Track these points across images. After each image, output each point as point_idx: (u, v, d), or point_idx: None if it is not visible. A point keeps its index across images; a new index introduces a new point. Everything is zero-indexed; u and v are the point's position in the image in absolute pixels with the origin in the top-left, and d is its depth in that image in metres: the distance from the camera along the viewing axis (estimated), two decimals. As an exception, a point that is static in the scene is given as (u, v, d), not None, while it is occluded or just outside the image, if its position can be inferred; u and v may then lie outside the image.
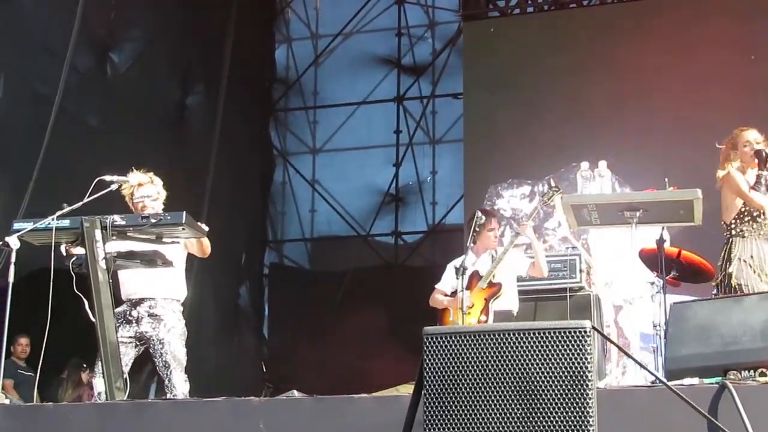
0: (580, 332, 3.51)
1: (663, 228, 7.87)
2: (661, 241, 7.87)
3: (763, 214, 6.90)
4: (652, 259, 8.13)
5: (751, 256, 6.85)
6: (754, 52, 12.25)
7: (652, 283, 8.44)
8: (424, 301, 8.61)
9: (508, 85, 13.18)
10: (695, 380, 4.92)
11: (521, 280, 8.53)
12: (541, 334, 3.55)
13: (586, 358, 3.48)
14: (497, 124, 13.16)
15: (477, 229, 8.30)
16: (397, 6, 15.91)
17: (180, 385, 6.91)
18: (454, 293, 8.20)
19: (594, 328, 3.56)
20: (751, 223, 6.97)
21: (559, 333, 3.54)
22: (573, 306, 8.91)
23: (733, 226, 7.05)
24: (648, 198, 6.10)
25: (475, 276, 8.22)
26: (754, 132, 7.28)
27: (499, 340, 3.54)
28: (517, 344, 3.54)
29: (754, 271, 6.83)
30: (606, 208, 6.05)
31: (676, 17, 12.76)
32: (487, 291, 8.21)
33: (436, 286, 8.50)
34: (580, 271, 9.16)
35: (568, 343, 3.51)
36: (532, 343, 3.54)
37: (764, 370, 4.78)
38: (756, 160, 7.09)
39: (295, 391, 5.59)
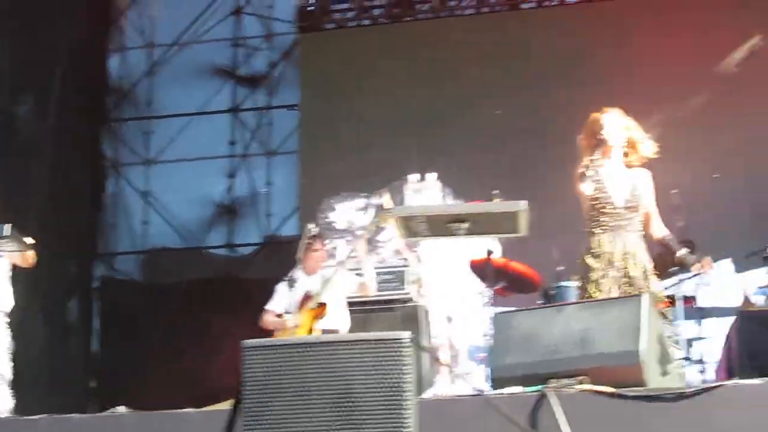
0: (397, 343, 3.53)
1: (493, 239, 8.02)
2: (489, 252, 8.01)
3: (610, 205, 6.47)
4: (482, 269, 8.27)
5: (603, 251, 6.44)
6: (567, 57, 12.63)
7: (481, 294, 8.58)
8: (259, 312, 8.55)
9: (343, 98, 13.26)
10: (518, 388, 5.00)
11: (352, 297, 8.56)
12: (359, 345, 3.55)
13: (403, 369, 3.50)
14: (332, 136, 13.22)
15: (306, 247, 8.33)
16: (234, 17, 15.78)
17: (2, 401, 6.69)
18: (284, 314, 8.19)
19: (412, 339, 3.58)
20: (598, 217, 6.55)
21: (377, 344, 3.55)
22: (402, 317, 8.97)
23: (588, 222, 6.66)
24: (474, 210, 6.15)
25: (306, 297, 8.21)
26: (614, 114, 6.73)
27: (317, 352, 3.53)
28: (335, 356, 3.54)
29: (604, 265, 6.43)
30: (433, 220, 6.09)
31: (503, 29, 13.12)
32: (315, 312, 8.20)
33: (266, 307, 8.45)
34: (410, 282, 9.24)
35: (385, 353, 3.52)
36: (349, 355, 3.54)
37: (583, 377, 4.88)
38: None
39: (121, 407, 5.47)
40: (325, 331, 8.13)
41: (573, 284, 8.58)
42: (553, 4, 13.72)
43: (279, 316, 8.33)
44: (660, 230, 6.67)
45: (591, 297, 6.25)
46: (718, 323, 9.68)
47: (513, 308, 6.61)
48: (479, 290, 8.74)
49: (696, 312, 8.91)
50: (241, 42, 15.83)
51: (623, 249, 6.41)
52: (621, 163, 6.62)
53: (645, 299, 5.08)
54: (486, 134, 12.66)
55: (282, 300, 8.32)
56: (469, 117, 12.76)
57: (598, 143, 6.54)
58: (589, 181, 6.45)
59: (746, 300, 9.81)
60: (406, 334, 3.62)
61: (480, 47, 13.06)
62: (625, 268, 6.37)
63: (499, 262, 8.55)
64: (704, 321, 9.05)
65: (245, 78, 15.85)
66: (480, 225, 5.97)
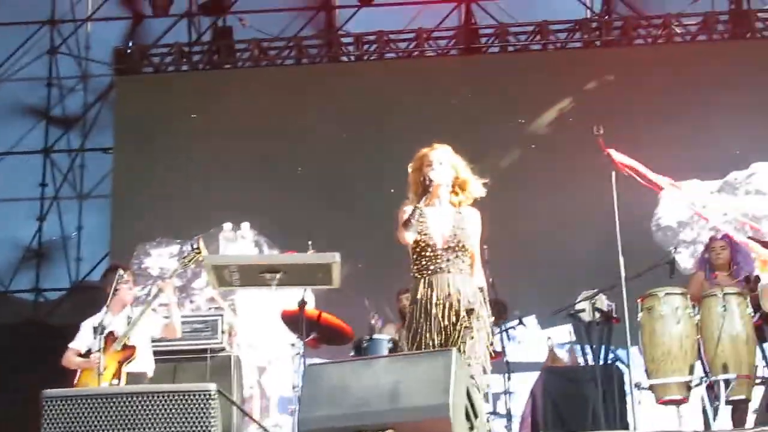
0: (204, 395, 3.49)
1: (305, 290, 8.01)
2: (302, 303, 8.00)
3: (430, 248, 6.10)
4: (294, 320, 8.24)
5: (418, 297, 6.10)
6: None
7: (293, 345, 8.55)
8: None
9: (159, 143, 13.12)
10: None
11: (158, 340, 8.38)
12: (165, 397, 3.49)
13: (209, 421, 3.46)
14: (147, 181, 13.04)
15: (115, 286, 8.12)
16: (49, 56, 15.40)
17: None
18: (88, 353, 7.95)
19: (219, 391, 3.53)
20: (419, 260, 6.20)
21: (183, 396, 3.49)
22: (213, 367, 8.85)
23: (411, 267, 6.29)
24: (287, 260, 6.18)
25: (110, 337, 8.00)
26: (443, 150, 6.40)
27: (122, 404, 3.46)
28: (140, 407, 3.47)
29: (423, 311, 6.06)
30: (246, 269, 6.07)
31: (322, 81, 13.27)
32: (121, 354, 8.00)
33: (69, 345, 8.20)
34: (222, 332, 9.14)
35: (191, 405, 3.47)
36: (155, 406, 3.47)
37: (391, 431, 4.90)
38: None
39: None
40: (131, 375, 7.94)
41: (385, 337, 8.64)
42: (372, 58, 13.93)
43: (82, 355, 8.09)
44: (477, 278, 6.27)
45: (411, 345, 6.01)
46: (525, 378, 9.92)
47: (324, 360, 6.59)
48: (291, 341, 8.69)
49: (504, 366, 9.07)
50: (55, 82, 15.46)
51: (444, 292, 6.04)
52: (447, 203, 6.26)
53: (454, 353, 5.14)
54: (302, 186, 12.70)
55: (86, 338, 8.09)
56: (286, 168, 12.80)
57: (424, 184, 6.15)
58: (412, 230, 6.04)
59: (551, 355, 10.07)
60: (212, 386, 3.57)
61: (300, 98, 13.15)
62: (443, 313, 5.99)
63: (312, 314, 8.53)
64: (512, 375, 9.20)
65: (59, 119, 15.46)
66: (293, 275, 5.98)
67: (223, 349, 9.13)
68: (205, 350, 8.95)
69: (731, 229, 8.58)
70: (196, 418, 3.52)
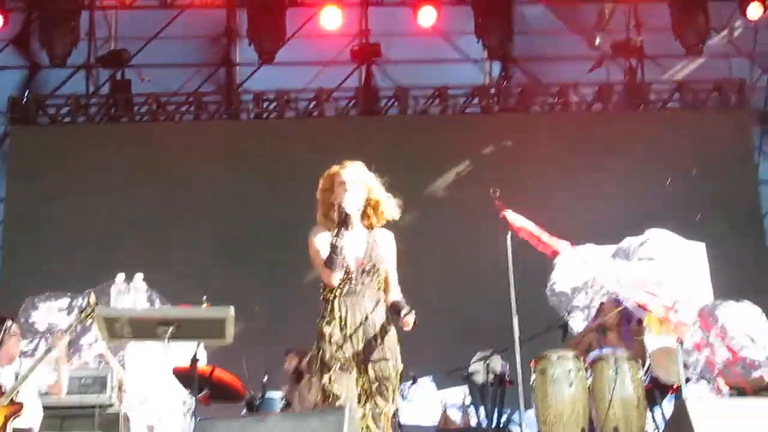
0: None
1: (198, 345, 7.88)
2: (194, 359, 7.86)
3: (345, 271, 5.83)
4: (186, 376, 8.09)
5: (334, 316, 5.84)
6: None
7: (184, 402, 8.41)
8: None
9: (53, 194, 12.89)
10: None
11: (44, 394, 8.16)
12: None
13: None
14: (40, 232, 12.78)
15: (2, 338, 7.89)
16: (-59, 102, 15.07)
17: None
18: None
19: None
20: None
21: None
22: (101, 423, 8.66)
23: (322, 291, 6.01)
24: (180, 314, 6.06)
25: None
26: (356, 168, 6.09)
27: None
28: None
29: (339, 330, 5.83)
30: (139, 322, 5.94)
31: (218, 137, 13.23)
32: (8, 409, 7.77)
33: None
34: (111, 387, 8.95)
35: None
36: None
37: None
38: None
39: None
40: (17, 431, 7.71)
41: (278, 395, 8.56)
42: (272, 117, 13.93)
43: None
44: (394, 295, 6.01)
45: (326, 367, 5.73)
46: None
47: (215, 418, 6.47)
48: (183, 398, 8.54)
49: (396, 427, 9.00)
50: (-52, 129, 15.13)
51: (362, 315, 5.83)
52: (359, 225, 5.96)
53: (346, 412, 5.08)
54: (199, 241, 12.59)
55: None
56: (182, 222, 12.68)
57: (339, 212, 5.86)
58: (338, 269, 5.76)
59: (444, 416, 10.05)
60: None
61: (198, 154, 13.07)
62: (357, 335, 5.79)
63: (204, 370, 8.40)
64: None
65: (-49, 167, 15.12)
66: (186, 329, 5.86)
67: (111, 405, 8.94)
68: (93, 406, 8.73)
69: (626, 292, 8.67)
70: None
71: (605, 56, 14.60)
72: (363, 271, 5.87)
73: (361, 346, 5.79)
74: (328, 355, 5.78)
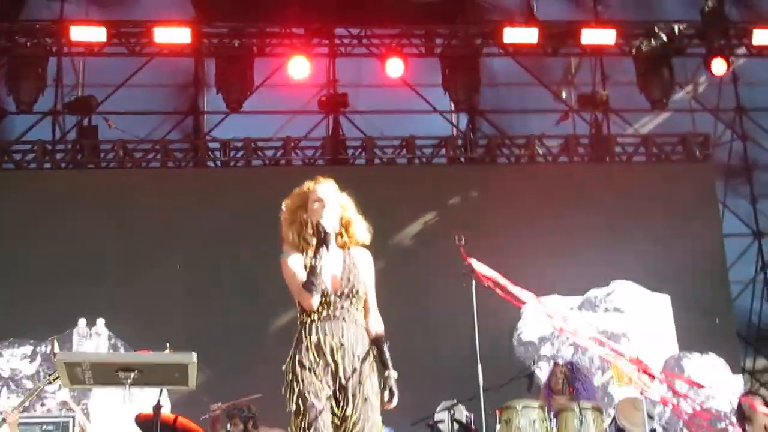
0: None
1: (161, 392, 7.80)
2: (157, 407, 7.78)
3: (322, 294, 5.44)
4: (149, 424, 8.00)
5: (311, 340, 5.42)
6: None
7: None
8: None
9: (18, 241, 12.77)
10: None
11: None
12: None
13: None
14: (3, 279, 12.64)
15: None
16: None
17: None
18: None
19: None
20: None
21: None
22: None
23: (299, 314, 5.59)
24: (142, 359, 6.00)
25: None
26: (330, 185, 5.71)
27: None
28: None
29: (309, 363, 5.39)
30: (100, 368, 5.87)
31: (185, 183, 13.30)
32: None
33: None
34: (73, 436, 8.88)
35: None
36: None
37: None
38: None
39: None
40: None
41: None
42: (239, 164, 13.92)
43: None
44: (375, 325, 5.63)
45: (290, 399, 5.33)
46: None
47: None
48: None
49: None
50: None
51: (338, 341, 5.41)
52: (334, 244, 5.54)
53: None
54: (162, 288, 12.51)
55: None
56: (147, 269, 12.61)
57: (317, 232, 5.45)
58: (317, 292, 5.38)
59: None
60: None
61: (164, 200, 13.04)
62: (336, 363, 5.37)
63: (168, 417, 8.32)
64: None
65: None
66: (149, 375, 5.81)
67: (73, 454, 8.85)
68: (55, 454, 8.64)
69: (591, 344, 8.69)
70: None
71: (571, 109, 14.74)
72: (342, 294, 5.50)
73: (340, 374, 5.40)
74: (302, 385, 5.38)
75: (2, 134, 14.32)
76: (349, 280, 5.53)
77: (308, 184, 5.70)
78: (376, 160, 13.99)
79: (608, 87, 14.65)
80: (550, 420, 8.12)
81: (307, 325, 5.47)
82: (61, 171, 13.64)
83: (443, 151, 14.17)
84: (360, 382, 5.41)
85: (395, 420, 10.71)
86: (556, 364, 10.01)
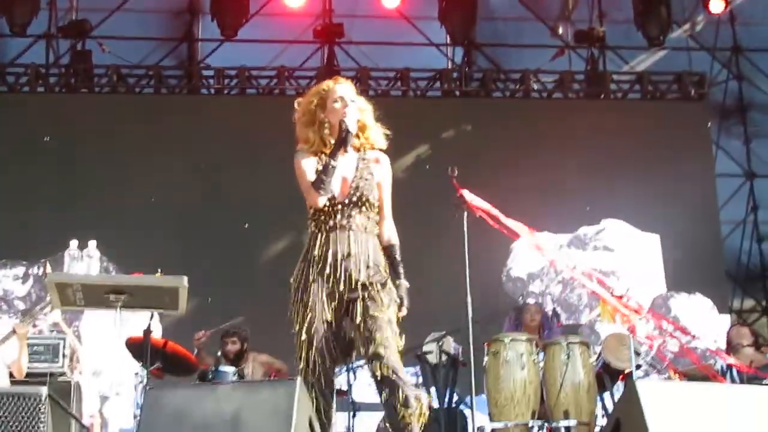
0: (34, 398, 3.40)
1: (152, 316, 7.85)
2: (148, 330, 7.83)
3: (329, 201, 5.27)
4: (139, 348, 8.06)
5: (313, 253, 5.27)
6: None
7: (137, 373, 8.38)
8: None
9: (9, 162, 12.82)
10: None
11: None
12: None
13: (38, 426, 3.37)
14: (-5, 199, 12.69)
15: None
16: None
17: None
18: None
19: (50, 395, 3.44)
20: (316, 215, 5.36)
21: (14, 398, 3.40)
22: (53, 391, 8.58)
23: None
24: (133, 282, 6.03)
25: None
26: (350, 86, 5.49)
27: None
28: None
29: (314, 278, 5.23)
30: (91, 289, 5.90)
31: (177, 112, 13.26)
32: None
33: None
34: (64, 356, 8.90)
35: (22, 408, 3.38)
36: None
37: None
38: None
39: None
40: None
41: (230, 369, 8.55)
42: (233, 93, 13.88)
43: None
44: (388, 233, 5.49)
45: (296, 311, 5.20)
46: (370, 417, 9.88)
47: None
48: (136, 370, 8.51)
49: (349, 405, 9.01)
50: None
51: (344, 251, 5.24)
52: (350, 148, 5.36)
53: (299, 382, 5.06)
54: (155, 214, 12.53)
55: None
56: (138, 194, 12.62)
57: (339, 130, 5.24)
58: (325, 192, 5.22)
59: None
60: (44, 390, 3.47)
61: (156, 127, 13.03)
62: (343, 274, 5.19)
63: (158, 342, 8.37)
64: (358, 413, 9.13)
65: None
66: (139, 298, 5.85)
67: (63, 374, 8.90)
68: (44, 374, 8.68)
69: (582, 277, 8.73)
70: (26, 421, 3.40)
71: (567, 45, 14.68)
72: (350, 203, 5.31)
73: (349, 285, 5.22)
74: (307, 298, 5.23)
75: (-5, 56, 14.26)
76: (358, 187, 5.35)
77: (327, 83, 5.48)
78: (371, 92, 13.88)
79: (605, 24, 14.57)
80: (538, 353, 8.18)
81: (314, 236, 5.32)
82: (54, 94, 13.60)
83: (438, 84, 14.11)
84: (370, 293, 5.25)
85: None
86: (527, 304, 10.14)
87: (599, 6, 14.73)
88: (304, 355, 5.24)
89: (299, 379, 5.07)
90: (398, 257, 5.47)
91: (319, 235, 5.30)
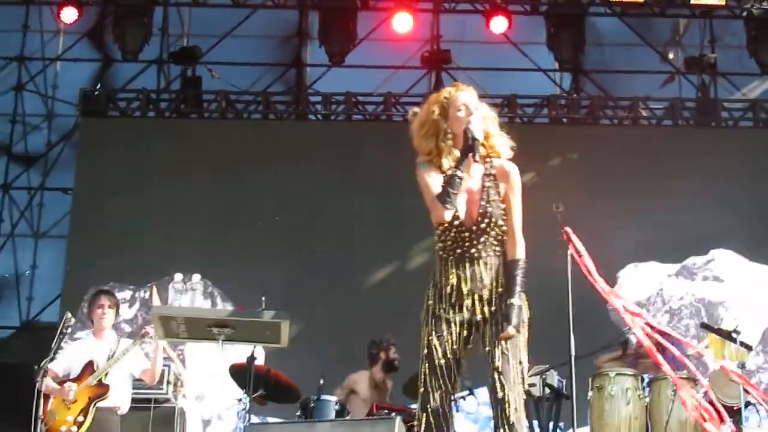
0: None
1: (255, 345, 7.93)
2: (251, 358, 7.91)
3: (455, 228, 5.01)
4: (242, 375, 8.14)
5: (446, 284, 5.05)
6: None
7: (240, 400, 8.44)
8: (16, 399, 8.09)
9: (120, 187, 13.03)
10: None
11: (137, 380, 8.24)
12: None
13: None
14: (105, 223, 12.93)
15: (90, 307, 8.04)
16: (15, 92, 15.27)
17: None
18: (66, 379, 7.78)
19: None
20: (442, 238, 5.10)
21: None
22: (156, 417, 8.72)
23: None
24: (236, 316, 6.09)
25: (90, 368, 7.86)
26: (472, 92, 5.15)
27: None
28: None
29: (444, 306, 5.03)
30: (194, 322, 5.98)
31: (288, 134, 13.43)
32: (94, 390, 7.85)
33: (48, 365, 7.74)
34: (168, 382, 9.01)
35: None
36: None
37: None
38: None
39: None
40: (101, 410, 7.82)
41: (332, 398, 8.55)
42: (339, 119, 13.94)
43: (61, 382, 7.86)
44: (515, 249, 5.10)
45: (425, 346, 4.99)
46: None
47: (269, 419, 6.49)
48: (238, 396, 8.57)
49: None
50: (19, 118, 15.32)
51: (475, 281, 5.03)
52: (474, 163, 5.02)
53: (398, 422, 5.05)
54: (262, 241, 12.66)
55: (65, 360, 7.88)
56: (245, 220, 12.77)
57: (465, 139, 4.94)
58: (452, 205, 4.93)
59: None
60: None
61: (264, 154, 13.16)
62: (468, 307, 5.01)
63: (261, 368, 8.44)
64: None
65: (20, 155, 15.31)
66: (241, 332, 5.90)
67: (167, 400, 9.00)
68: (149, 399, 8.79)
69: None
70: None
71: (678, 71, 14.45)
72: (478, 230, 5.03)
73: (475, 318, 5.02)
74: (429, 330, 5.03)
75: (108, 82, 14.57)
76: (486, 212, 5.05)
77: (448, 90, 5.15)
78: (478, 118, 13.85)
79: (717, 49, 14.31)
80: (644, 389, 8.04)
81: (443, 262, 5.09)
82: (165, 120, 13.86)
83: (545, 110, 14.00)
84: (497, 325, 5.00)
85: (482, 382, 10.75)
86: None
87: (711, 31, 14.47)
88: (426, 380, 5.05)
89: (398, 418, 5.06)
90: (518, 274, 5.05)
91: (448, 260, 5.07)
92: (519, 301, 4.98)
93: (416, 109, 5.23)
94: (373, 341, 9.60)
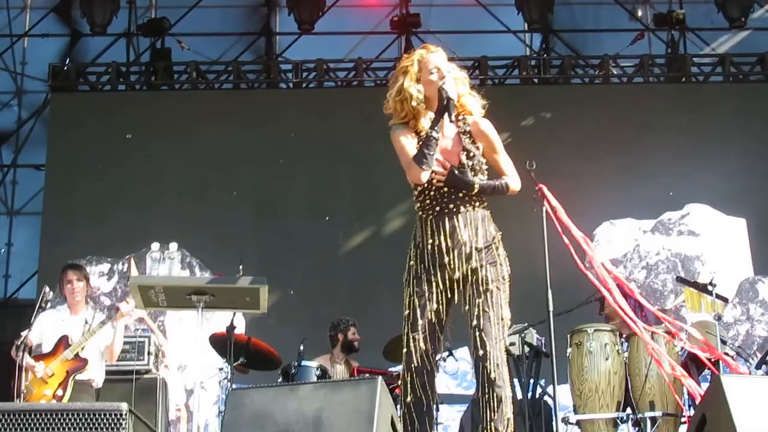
0: (115, 414, 3.43)
1: (234, 313, 7.95)
2: (231, 327, 7.93)
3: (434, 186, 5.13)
4: (223, 344, 8.17)
5: (427, 243, 5.16)
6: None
7: (221, 369, 8.47)
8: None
9: (93, 161, 13.00)
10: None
11: None
12: (77, 416, 3.43)
13: (121, 441, 3.42)
14: (79, 199, 12.88)
15: (60, 284, 8.04)
16: (-17, 70, 15.17)
17: None
18: (39, 354, 7.79)
19: (131, 411, 3.48)
20: (421, 198, 5.25)
21: (94, 414, 3.44)
22: (139, 388, 8.71)
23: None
24: (215, 283, 6.11)
25: (64, 342, 7.87)
26: (442, 53, 5.29)
27: (33, 421, 3.39)
28: (52, 425, 3.40)
29: (426, 266, 5.15)
30: (173, 291, 6.00)
31: (255, 103, 13.43)
32: (72, 364, 7.87)
33: (23, 333, 7.70)
34: (149, 353, 9.02)
35: (103, 424, 3.41)
36: (67, 424, 3.41)
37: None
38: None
39: None
40: (78, 382, 7.82)
41: (313, 364, 8.59)
42: (311, 86, 13.93)
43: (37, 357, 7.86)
44: (514, 181, 5.47)
45: (408, 306, 5.16)
46: (454, 410, 9.89)
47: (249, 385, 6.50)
48: (219, 365, 8.60)
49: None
50: (-12, 96, 15.23)
51: (454, 238, 5.12)
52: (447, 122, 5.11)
53: (380, 382, 5.06)
54: (236, 209, 12.66)
55: (38, 328, 7.87)
56: (221, 191, 12.75)
57: (439, 99, 5.03)
58: (428, 166, 5.03)
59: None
60: (124, 406, 3.51)
61: (237, 123, 13.13)
62: (448, 264, 5.11)
63: (241, 337, 8.47)
64: (441, 407, 9.14)
65: (-9, 133, 15.23)
66: (220, 299, 5.91)
67: (149, 371, 9.01)
68: (130, 371, 8.80)
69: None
70: (110, 434, 3.45)
71: (647, 28, 14.47)
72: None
73: (456, 275, 5.12)
74: (410, 290, 5.16)
75: (77, 57, 14.48)
76: (465, 161, 5.20)
77: (420, 53, 5.27)
78: (449, 81, 13.84)
79: (685, 5, 14.32)
80: (622, 344, 8.09)
81: (422, 222, 5.21)
82: (136, 92, 13.80)
83: (516, 71, 14.00)
84: (478, 282, 5.14)
85: (463, 342, 10.81)
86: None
87: (679, -13, 14.50)
88: (410, 341, 5.20)
89: (380, 379, 5.07)
90: (494, 180, 5.33)
91: (427, 220, 5.18)
92: (473, 180, 5.16)
93: (396, 73, 5.29)
94: (332, 323, 9.56)
